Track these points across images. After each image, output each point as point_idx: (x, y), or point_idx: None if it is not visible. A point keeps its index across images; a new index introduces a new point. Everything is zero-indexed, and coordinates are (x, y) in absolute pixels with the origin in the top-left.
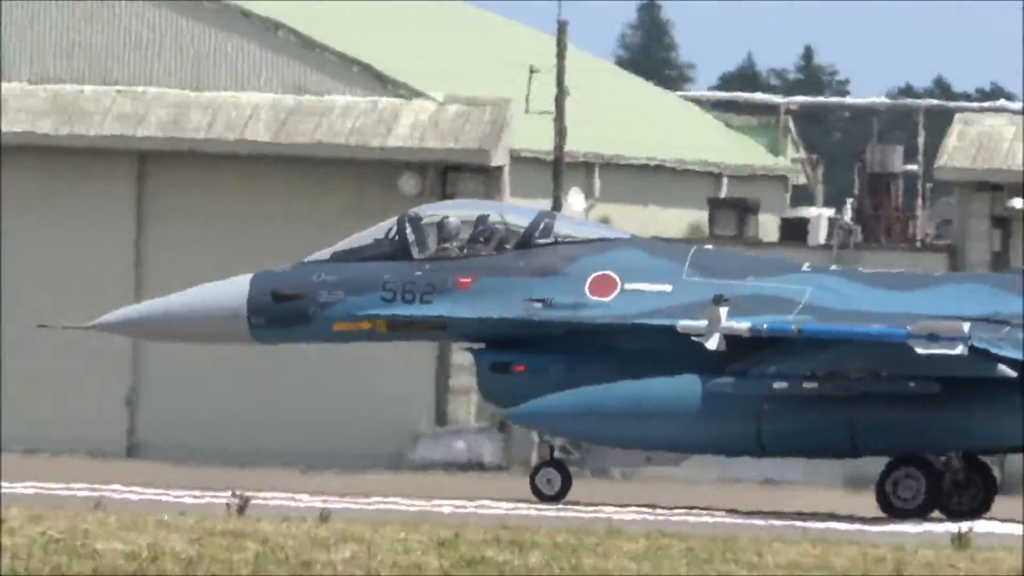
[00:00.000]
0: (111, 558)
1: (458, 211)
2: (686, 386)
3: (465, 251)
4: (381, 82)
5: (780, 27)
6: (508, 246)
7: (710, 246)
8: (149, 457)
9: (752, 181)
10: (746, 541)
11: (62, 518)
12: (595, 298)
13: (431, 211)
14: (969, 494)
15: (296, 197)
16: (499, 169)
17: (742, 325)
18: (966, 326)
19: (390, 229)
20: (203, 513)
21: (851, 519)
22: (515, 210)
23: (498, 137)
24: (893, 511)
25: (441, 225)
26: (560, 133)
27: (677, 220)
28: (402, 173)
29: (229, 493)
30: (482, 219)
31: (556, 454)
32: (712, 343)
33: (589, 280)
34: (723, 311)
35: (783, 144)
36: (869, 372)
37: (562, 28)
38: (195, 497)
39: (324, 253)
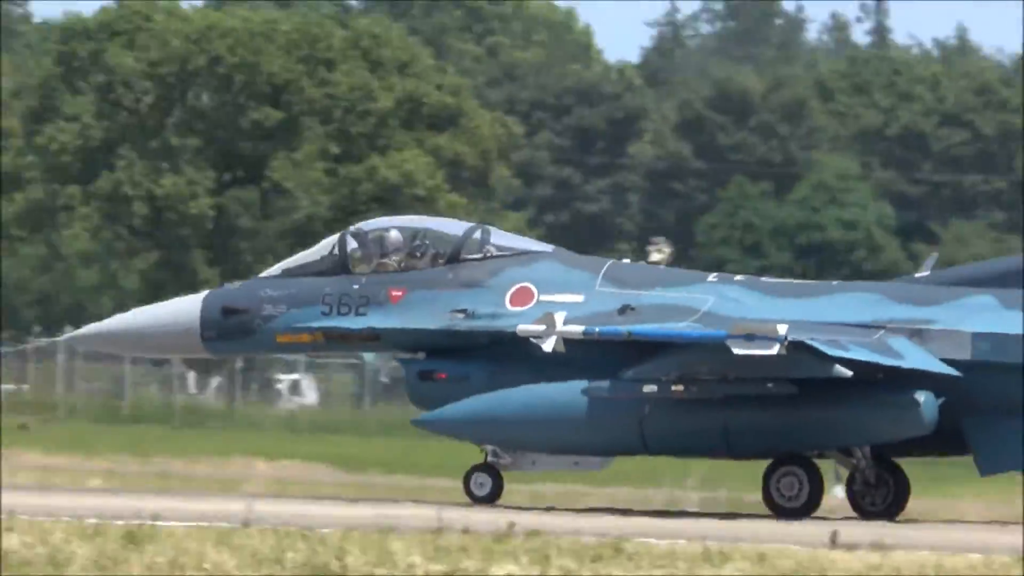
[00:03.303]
0: None
1: (396, 226)
2: (572, 391)
3: (401, 265)
4: None
5: None
6: (441, 260)
7: (627, 260)
8: None
9: None
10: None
11: None
12: (514, 308)
13: (370, 227)
14: (880, 494)
15: None
16: None
17: (576, 328)
18: (783, 328)
19: (333, 245)
20: None
21: None
22: (449, 225)
23: None
24: (778, 510)
25: (380, 240)
26: None
27: None
28: None
29: None
30: (417, 234)
31: (489, 458)
32: (548, 346)
33: (510, 292)
34: (559, 316)
35: None
36: (719, 375)
37: None
38: None
39: (275, 269)
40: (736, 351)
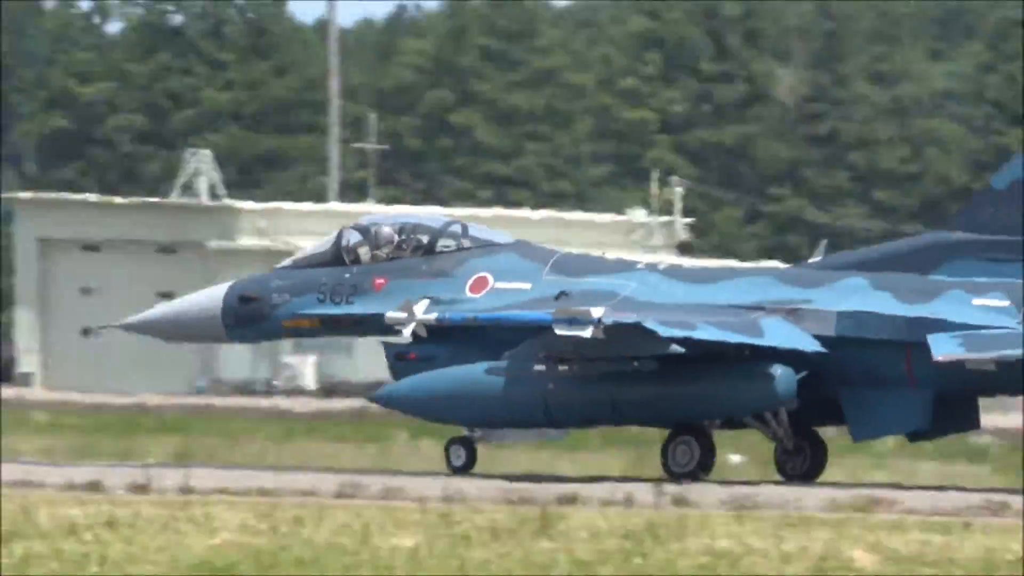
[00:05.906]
0: None
1: (388, 221)
2: (487, 369)
3: (389, 257)
4: None
5: None
6: (420, 252)
7: (577, 251)
8: None
9: None
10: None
11: None
12: (471, 295)
13: (366, 222)
14: (799, 460)
15: None
16: None
17: (431, 316)
18: (597, 311)
19: (334, 239)
20: None
21: None
22: (431, 219)
23: None
24: (672, 474)
25: (375, 234)
26: None
27: None
28: None
29: None
30: (404, 228)
31: (465, 432)
32: (406, 332)
33: (471, 280)
34: (420, 304)
35: None
36: (573, 354)
37: None
38: None
39: (288, 261)
40: (559, 332)
